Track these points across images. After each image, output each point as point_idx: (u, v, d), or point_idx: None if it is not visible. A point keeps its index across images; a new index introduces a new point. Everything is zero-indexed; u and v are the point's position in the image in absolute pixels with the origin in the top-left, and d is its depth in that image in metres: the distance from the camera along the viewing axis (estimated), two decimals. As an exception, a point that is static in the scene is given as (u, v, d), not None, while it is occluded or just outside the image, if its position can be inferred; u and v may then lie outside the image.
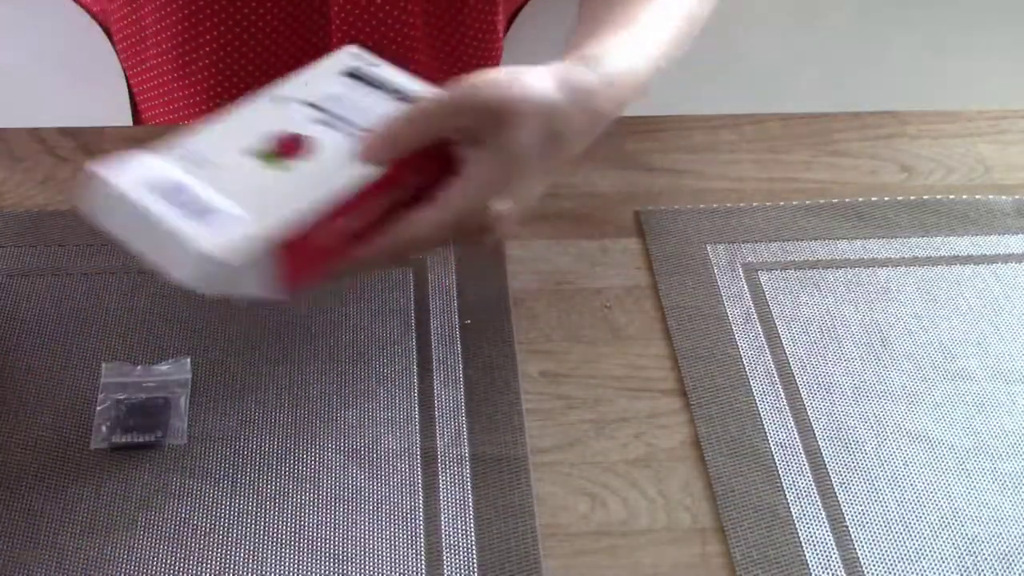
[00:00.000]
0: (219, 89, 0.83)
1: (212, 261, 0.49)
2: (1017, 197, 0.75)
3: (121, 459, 0.58)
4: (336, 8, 0.75)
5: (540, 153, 0.55)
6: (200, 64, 0.82)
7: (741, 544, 0.56)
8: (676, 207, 0.74)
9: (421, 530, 0.55)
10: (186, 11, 0.77)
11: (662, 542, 0.56)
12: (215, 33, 0.78)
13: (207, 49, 0.79)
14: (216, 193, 0.51)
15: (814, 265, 0.70)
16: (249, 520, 0.55)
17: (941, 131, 0.81)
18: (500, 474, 0.58)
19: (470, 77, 0.54)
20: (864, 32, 1.77)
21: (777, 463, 0.59)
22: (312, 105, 0.57)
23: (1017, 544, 0.56)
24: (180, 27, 0.78)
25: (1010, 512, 0.57)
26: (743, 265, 0.70)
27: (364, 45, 0.62)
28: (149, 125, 0.89)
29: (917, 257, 0.71)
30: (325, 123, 0.56)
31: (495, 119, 0.54)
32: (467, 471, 0.58)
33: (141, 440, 0.58)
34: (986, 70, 1.74)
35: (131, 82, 0.91)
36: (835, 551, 0.56)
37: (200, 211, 0.50)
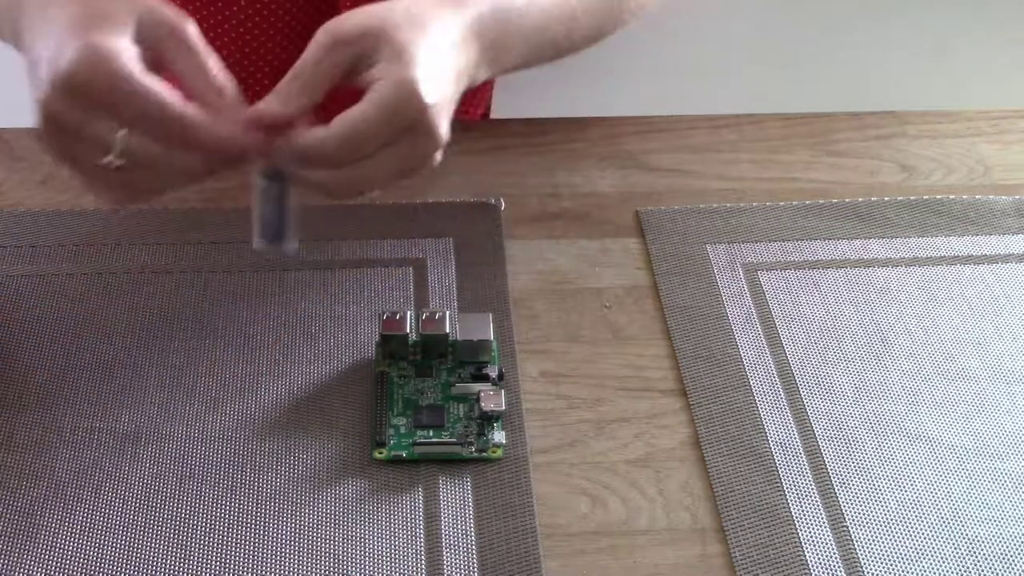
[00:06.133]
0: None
1: None
2: (1017, 197, 0.75)
3: (121, 459, 0.58)
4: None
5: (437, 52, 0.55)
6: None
7: (741, 544, 0.56)
8: (676, 207, 0.74)
9: (421, 530, 0.55)
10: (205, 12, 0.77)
11: (662, 542, 0.56)
12: (231, 24, 0.78)
13: (224, 40, 0.79)
14: None
15: (814, 265, 0.70)
16: (249, 520, 0.55)
17: (941, 131, 0.81)
18: (500, 474, 0.58)
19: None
20: (864, 32, 1.77)
21: (777, 463, 0.59)
22: None
23: (1017, 544, 0.56)
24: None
25: (1011, 512, 0.57)
26: (743, 265, 0.70)
27: None
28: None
29: (917, 257, 0.71)
30: None
31: (375, 37, 0.53)
32: (467, 471, 0.58)
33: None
34: (986, 70, 1.74)
35: None
36: (835, 551, 0.55)
37: None
